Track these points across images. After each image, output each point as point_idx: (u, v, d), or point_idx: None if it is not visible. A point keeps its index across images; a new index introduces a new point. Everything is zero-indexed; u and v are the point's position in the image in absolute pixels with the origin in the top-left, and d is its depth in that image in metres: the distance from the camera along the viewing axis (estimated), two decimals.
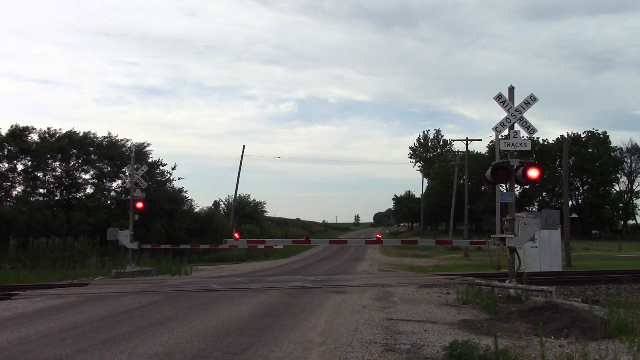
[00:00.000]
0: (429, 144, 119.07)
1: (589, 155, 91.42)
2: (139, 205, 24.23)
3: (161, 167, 48.04)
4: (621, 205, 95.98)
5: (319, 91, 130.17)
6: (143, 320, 10.70)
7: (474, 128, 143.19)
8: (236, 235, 18.22)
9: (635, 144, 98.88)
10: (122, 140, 46.23)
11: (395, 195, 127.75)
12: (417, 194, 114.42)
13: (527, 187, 57.64)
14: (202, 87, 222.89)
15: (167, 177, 48.37)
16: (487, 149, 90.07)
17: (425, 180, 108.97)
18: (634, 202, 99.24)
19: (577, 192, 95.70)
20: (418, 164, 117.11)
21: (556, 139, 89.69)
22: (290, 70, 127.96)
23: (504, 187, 16.78)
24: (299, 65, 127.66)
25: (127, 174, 38.15)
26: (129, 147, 43.11)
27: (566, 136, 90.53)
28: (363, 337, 8.85)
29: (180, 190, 47.99)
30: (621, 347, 8.26)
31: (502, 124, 14.51)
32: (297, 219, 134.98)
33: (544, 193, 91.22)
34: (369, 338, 8.75)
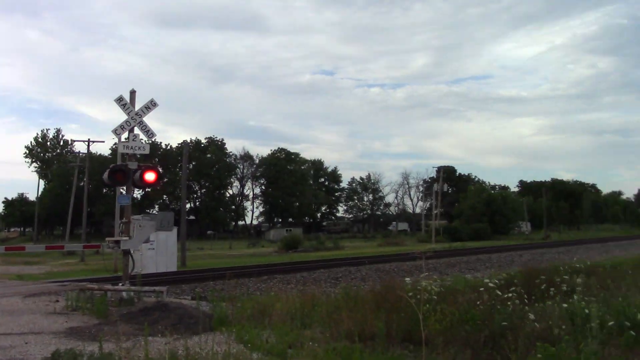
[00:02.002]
0: (49, 143, 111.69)
1: (207, 160, 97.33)
2: None
3: None
4: (233, 207, 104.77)
5: None
6: None
7: (99, 129, 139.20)
8: None
9: (247, 151, 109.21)
10: None
11: (5, 198, 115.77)
12: (32, 196, 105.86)
13: (149, 190, 58.51)
14: None
15: None
16: (110, 151, 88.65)
17: (42, 182, 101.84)
18: (244, 204, 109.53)
19: (195, 195, 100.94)
20: (35, 164, 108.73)
21: (179, 144, 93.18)
22: None
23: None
24: None
25: None
26: None
27: (188, 141, 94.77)
28: None
29: None
30: (221, 338, 8.95)
31: (122, 127, 14.39)
32: None
33: (164, 196, 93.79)
34: None
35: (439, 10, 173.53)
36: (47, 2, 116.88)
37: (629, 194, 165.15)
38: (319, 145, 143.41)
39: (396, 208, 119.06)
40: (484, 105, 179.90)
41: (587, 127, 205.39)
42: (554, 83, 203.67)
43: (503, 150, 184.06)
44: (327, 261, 26.32)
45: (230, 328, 9.59)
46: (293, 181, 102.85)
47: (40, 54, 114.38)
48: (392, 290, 10.21)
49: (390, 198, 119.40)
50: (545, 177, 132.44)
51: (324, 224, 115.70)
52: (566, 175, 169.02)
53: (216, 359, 7.08)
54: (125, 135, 14.63)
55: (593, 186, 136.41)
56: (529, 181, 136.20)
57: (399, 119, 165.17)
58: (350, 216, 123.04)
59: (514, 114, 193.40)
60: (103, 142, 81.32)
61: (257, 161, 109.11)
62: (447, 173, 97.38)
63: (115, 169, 14.37)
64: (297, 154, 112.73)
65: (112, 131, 14.52)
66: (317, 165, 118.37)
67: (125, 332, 9.65)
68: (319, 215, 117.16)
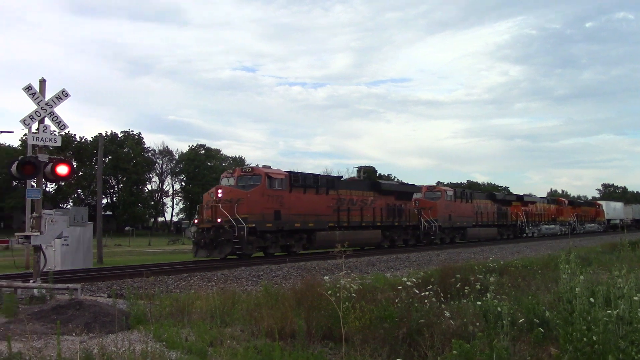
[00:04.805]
0: None
1: (124, 154, 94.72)
2: None
3: None
4: (152, 203, 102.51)
5: None
6: None
7: (8, 119, 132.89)
8: None
9: (167, 146, 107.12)
10: None
11: None
12: None
13: (62, 183, 56.42)
14: None
15: None
16: (20, 142, 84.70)
17: None
18: (164, 200, 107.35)
19: (112, 190, 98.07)
20: None
21: (94, 137, 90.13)
22: None
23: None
24: None
25: None
26: None
27: (104, 134, 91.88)
28: None
29: None
30: (138, 337, 8.77)
31: (31, 117, 13.82)
32: None
33: (79, 190, 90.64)
34: None
35: (359, 13, 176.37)
36: None
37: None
38: (241, 142, 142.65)
39: None
40: (402, 107, 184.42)
41: (500, 131, 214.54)
42: (468, 88, 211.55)
43: (421, 151, 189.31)
44: (250, 259, 26.22)
45: (148, 326, 9.40)
46: (214, 177, 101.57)
47: None
48: (312, 288, 10.30)
49: None
50: (462, 179, 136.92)
51: None
52: (481, 178, 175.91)
53: (133, 357, 6.92)
54: (35, 126, 14.05)
55: (505, 188, 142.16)
56: (445, 182, 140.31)
57: (320, 118, 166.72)
58: None
59: (432, 116, 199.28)
60: (12, 132, 77.75)
61: (176, 157, 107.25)
62: (367, 173, 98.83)
63: (25, 161, 13.82)
64: (217, 151, 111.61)
65: (21, 121, 13.93)
66: (239, 162, 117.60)
67: (36, 330, 9.29)
68: None
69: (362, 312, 8.34)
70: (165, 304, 11.50)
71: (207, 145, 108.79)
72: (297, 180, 28.78)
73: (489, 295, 8.28)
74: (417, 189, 42.07)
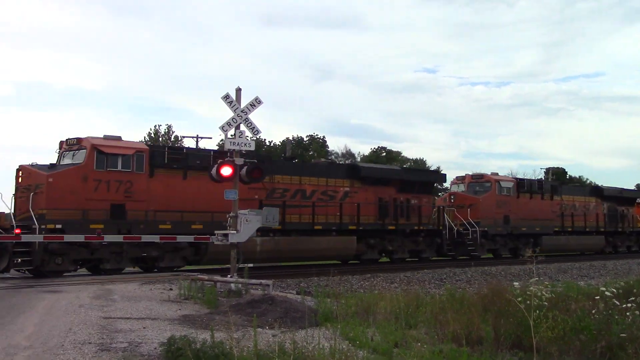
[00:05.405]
0: (160, 139, 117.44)
1: (310, 157, 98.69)
2: None
3: None
4: None
5: (43, 75, 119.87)
6: None
7: (205, 126, 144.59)
8: None
9: (349, 149, 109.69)
10: None
11: None
12: None
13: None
14: None
15: None
16: (217, 147, 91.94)
17: None
18: None
19: None
20: None
21: (281, 141, 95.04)
22: (10, 49, 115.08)
23: None
24: (19, 44, 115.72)
25: None
26: None
27: (290, 138, 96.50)
28: (77, 337, 8.36)
29: None
30: (325, 334, 9.08)
31: (228, 124, 14.90)
32: None
33: None
34: (83, 339, 8.31)
35: (546, 6, 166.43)
36: (158, 4, 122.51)
37: None
38: (421, 144, 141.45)
39: None
40: (595, 103, 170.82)
41: None
42: None
43: (618, 151, 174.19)
44: (432, 262, 26.01)
45: (335, 324, 9.69)
46: None
47: (151, 54, 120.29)
48: (499, 293, 9.97)
49: None
50: None
51: None
52: None
53: (323, 354, 7.17)
54: (231, 131, 15.13)
55: None
56: None
57: (504, 118, 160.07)
58: None
59: (630, 113, 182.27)
60: (210, 138, 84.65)
61: (358, 159, 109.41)
62: (556, 174, 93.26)
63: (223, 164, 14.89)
64: (399, 153, 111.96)
65: (220, 127, 15.05)
66: (420, 164, 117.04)
67: (234, 322, 10.00)
68: None
69: (555, 322, 7.89)
70: (350, 303, 11.80)
71: (388, 148, 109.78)
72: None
73: None
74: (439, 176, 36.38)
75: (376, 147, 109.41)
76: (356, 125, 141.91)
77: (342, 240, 23.39)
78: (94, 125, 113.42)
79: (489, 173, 31.36)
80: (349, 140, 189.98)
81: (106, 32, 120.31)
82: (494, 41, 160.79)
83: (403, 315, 10.07)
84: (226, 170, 14.79)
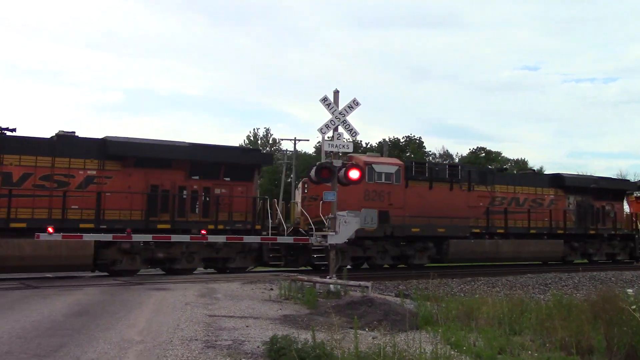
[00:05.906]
0: (259, 142, 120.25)
1: (407, 159, 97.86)
2: None
3: None
4: None
5: (148, 82, 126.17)
6: None
7: (302, 128, 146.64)
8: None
9: (447, 150, 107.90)
10: None
11: None
12: None
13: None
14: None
15: None
16: (314, 149, 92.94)
17: None
18: None
19: None
20: None
21: (378, 142, 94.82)
22: (118, 57, 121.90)
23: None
24: (127, 53, 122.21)
25: None
26: None
27: (387, 140, 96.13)
28: (184, 334, 8.70)
29: None
30: (426, 337, 8.95)
31: (327, 126, 15.04)
32: None
33: None
34: (190, 335, 8.63)
35: None
36: (253, 11, 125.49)
37: None
38: (521, 144, 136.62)
39: None
40: None
41: None
42: None
43: None
44: (536, 266, 25.06)
45: (435, 328, 9.54)
46: None
47: (249, 58, 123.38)
48: (611, 300, 9.46)
49: None
50: None
51: None
52: None
53: (425, 358, 7.07)
54: (329, 133, 15.23)
55: None
56: None
57: (612, 115, 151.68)
58: None
59: None
60: (308, 140, 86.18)
61: (456, 160, 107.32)
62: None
63: (322, 166, 15.03)
64: (498, 153, 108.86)
65: (318, 130, 15.22)
66: (521, 164, 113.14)
67: (333, 323, 10.05)
68: None
69: None
70: (450, 307, 11.58)
71: (487, 148, 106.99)
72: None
73: None
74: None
75: (475, 148, 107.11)
76: (453, 126, 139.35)
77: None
78: (198, 131, 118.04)
79: (365, 154, 25.00)
80: (446, 141, 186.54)
81: (206, 39, 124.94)
82: (600, 35, 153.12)
83: (507, 321, 9.75)
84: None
